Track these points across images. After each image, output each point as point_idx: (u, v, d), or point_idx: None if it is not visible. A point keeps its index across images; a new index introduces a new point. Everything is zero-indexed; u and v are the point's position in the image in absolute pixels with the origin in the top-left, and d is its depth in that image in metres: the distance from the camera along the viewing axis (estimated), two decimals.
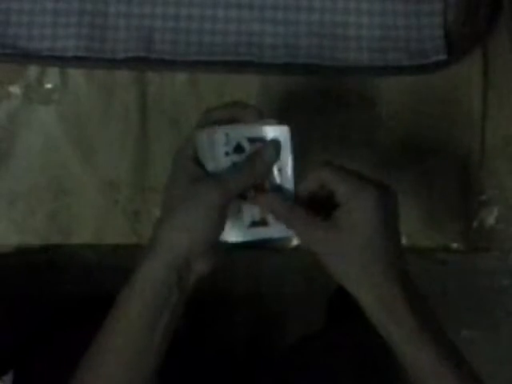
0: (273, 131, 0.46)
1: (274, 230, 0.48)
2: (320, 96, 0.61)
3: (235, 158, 0.46)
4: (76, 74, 0.61)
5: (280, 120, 0.47)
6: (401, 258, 0.45)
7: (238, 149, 0.46)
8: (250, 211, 0.47)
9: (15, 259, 0.62)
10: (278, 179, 0.47)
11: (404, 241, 0.61)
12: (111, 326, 0.46)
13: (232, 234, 0.47)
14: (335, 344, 0.81)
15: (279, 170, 0.47)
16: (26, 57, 0.61)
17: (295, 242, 0.61)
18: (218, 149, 0.46)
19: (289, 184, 0.47)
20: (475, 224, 0.61)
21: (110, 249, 0.62)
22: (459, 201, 0.61)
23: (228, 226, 0.46)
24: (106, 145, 0.61)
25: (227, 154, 0.46)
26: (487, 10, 0.60)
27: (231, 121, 0.47)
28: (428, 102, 0.62)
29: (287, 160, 0.47)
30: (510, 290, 1.14)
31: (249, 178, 0.45)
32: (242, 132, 0.46)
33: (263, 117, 0.47)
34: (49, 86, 0.61)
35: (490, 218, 0.61)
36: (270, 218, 0.47)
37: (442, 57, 0.60)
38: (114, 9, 0.61)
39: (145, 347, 0.44)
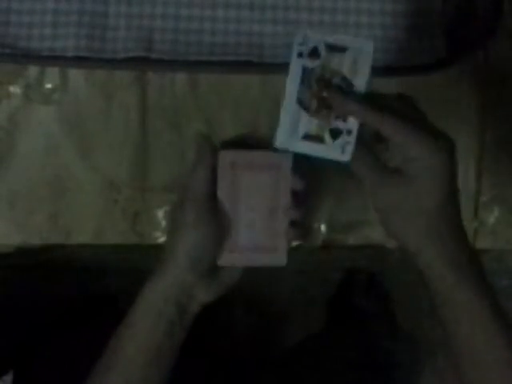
0: (355, 42, 0.44)
1: (328, 151, 0.44)
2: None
3: (308, 63, 0.44)
4: (76, 74, 0.61)
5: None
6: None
7: (314, 53, 0.44)
8: (308, 124, 0.44)
9: (15, 259, 0.62)
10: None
11: None
12: (110, 358, 0.47)
13: (283, 142, 0.44)
14: (335, 345, 0.81)
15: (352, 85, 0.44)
16: (26, 57, 0.60)
17: (294, 244, 0.61)
18: (293, 50, 0.44)
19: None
20: (475, 224, 0.61)
21: (109, 249, 0.62)
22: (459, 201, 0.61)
23: (282, 133, 0.44)
24: (106, 145, 0.61)
25: (300, 55, 0.44)
26: (487, 11, 0.60)
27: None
28: (428, 102, 0.61)
29: (365, 76, 0.45)
30: (509, 290, 1.14)
31: None
32: (321, 36, 0.44)
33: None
34: (49, 86, 0.61)
35: (490, 217, 0.61)
36: (328, 138, 0.44)
37: (442, 57, 0.60)
38: (114, 9, 0.61)
39: (144, 377, 0.45)
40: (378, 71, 0.60)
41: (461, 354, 0.44)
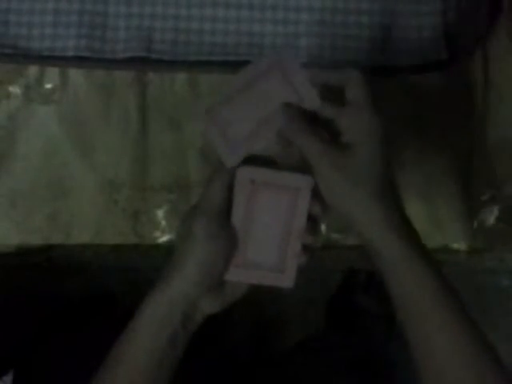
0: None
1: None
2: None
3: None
4: (76, 74, 0.61)
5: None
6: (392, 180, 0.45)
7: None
8: None
9: (15, 259, 0.62)
10: None
11: None
12: (113, 364, 0.47)
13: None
14: (335, 345, 0.81)
15: None
16: (26, 57, 0.61)
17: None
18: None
19: None
20: (475, 224, 0.61)
21: (109, 249, 0.62)
22: (459, 200, 0.61)
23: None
24: (106, 145, 0.61)
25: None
26: (487, 10, 0.60)
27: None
28: (428, 102, 0.62)
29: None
30: (510, 290, 1.14)
31: None
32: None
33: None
34: (49, 86, 0.61)
35: (490, 217, 0.61)
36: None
37: (442, 57, 0.60)
38: (114, 9, 0.61)
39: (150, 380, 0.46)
40: (378, 71, 0.61)
41: (406, 320, 0.44)
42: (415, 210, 0.61)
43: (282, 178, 0.47)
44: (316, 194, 0.46)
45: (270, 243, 0.47)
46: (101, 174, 0.61)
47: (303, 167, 0.46)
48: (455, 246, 0.61)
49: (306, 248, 0.48)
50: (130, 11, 0.61)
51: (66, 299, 0.86)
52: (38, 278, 0.80)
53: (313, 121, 0.45)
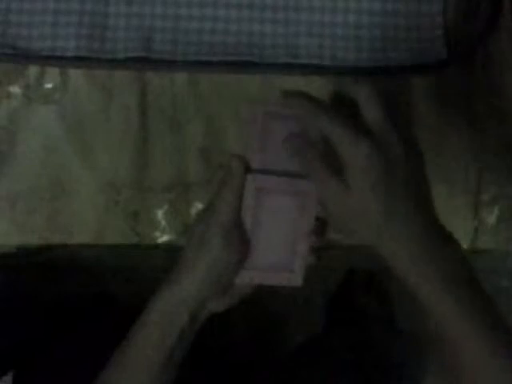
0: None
1: None
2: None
3: None
4: (76, 74, 0.61)
5: None
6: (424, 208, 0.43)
7: None
8: None
9: (15, 259, 0.62)
10: None
11: None
12: (121, 362, 0.48)
13: None
14: (335, 345, 0.81)
15: None
16: (26, 57, 0.60)
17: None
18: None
19: None
20: (475, 224, 0.61)
21: (109, 249, 0.62)
22: (460, 200, 0.61)
23: None
24: (106, 145, 0.61)
25: None
26: (487, 10, 0.60)
27: None
28: (428, 102, 0.62)
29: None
30: (510, 290, 1.14)
31: None
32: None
33: None
34: (49, 86, 0.61)
35: (491, 217, 0.61)
36: None
37: (442, 57, 0.60)
38: (114, 9, 0.61)
39: (155, 375, 0.47)
40: (378, 71, 0.61)
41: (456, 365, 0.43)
42: None
43: (289, 183, 0.47)
44: None
45: (279, 245, 0.48)
46: (101, 174, 0.61)
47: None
48: None
49: (313, 248, 0.49)
50: (129, 11, 0.61)
51: (66, 299, 0.86)
52: (37, 277, 0.80)
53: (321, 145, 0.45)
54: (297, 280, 0.49)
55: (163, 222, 0.61)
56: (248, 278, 0.48)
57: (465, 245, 0.61)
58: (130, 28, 0.61)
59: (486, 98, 0.61)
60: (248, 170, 0.47)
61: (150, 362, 0.46)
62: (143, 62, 0.60)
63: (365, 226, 0.42)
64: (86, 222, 0.61)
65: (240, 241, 0.47)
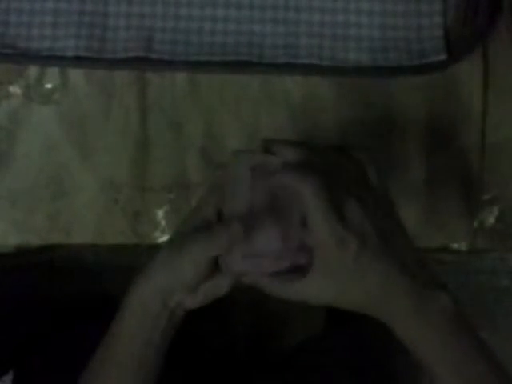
0: None
1: None
2: (320, 96, 0.61)
3: None
4: (76, 74, 0.61)
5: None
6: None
7: None
8: None
9: (15, 259, 0.62)
10: None
11: None
12: (103, 355, 0.48)
13: None
14: (335, 346, 0.81)
15: None
16: (26, 57, 0.60)
17: None
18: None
19: None
20: (475, 224, 0.61)
21: (109, 249, 0.62)
22: (459, 200, 0.61)
23: None
24: (106, 145, 0.61)
25: None
26: (487, 10, 0.60)
27: None
28: (428, 102, 0.62)
29: None
30: (510, 290, 1.14)
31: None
32: None
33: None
34: (49, 86, 0.61)
35: (491, 217, 0.61)
36: None
37: (442, 57, 0.60)
38: (114, 9, 0.61)
39: (133, 378, 0.46)
40: (378, 71, 0.61)
41: None
42: (415, 210, 0.61)
43: (279, 164, 0.46)
44: None
45: (273, 231, 0.47)
46: (101, 174, 0.61)
47: None
48: (455, 246, 0.61)
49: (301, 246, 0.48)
50: (130, 11, 0.61)
51: (65, 299, 0.86)
52: (37, 277, 0.80)
53: None
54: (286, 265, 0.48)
55: (163, 222, 0.61)
56: (244, 266, 0.47)
57: (465, 245, 0.61)
58: (130, 28, 0.61)
59: (485, 97, 0.61)
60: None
61: (128, 352, 0.46)
62: (143, 62, 0.60)
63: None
64: (85, 221, 0.61)
65: (222, 234, 0.46)
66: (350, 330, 0.90)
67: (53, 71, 0.61)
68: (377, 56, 0.61)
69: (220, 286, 0.48)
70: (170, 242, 0.48)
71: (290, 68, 0.60)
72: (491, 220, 0.62)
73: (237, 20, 0.61)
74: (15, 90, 0.61)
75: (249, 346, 1.08)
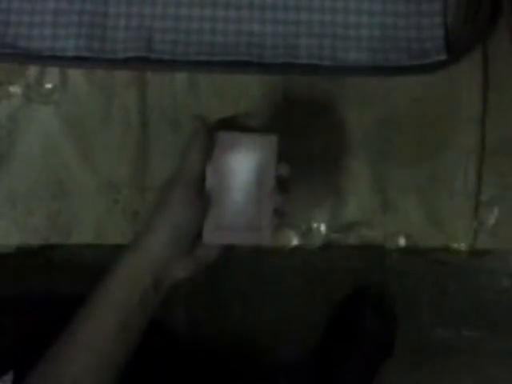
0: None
1: None
2: (320, 96, 0.61)
3: None
4: (76, 74, 0.61)
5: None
6: None
7: None
8: None
9: (15, 259, 0.62)
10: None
11: (404, 241, 0.61)
12: (83, 319, 0.48)
13: None
14: (331, 363, 0.81)
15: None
16: (26, 57, 0.61)
17: (295, 242, 0.61)
18: None
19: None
20: (475, 224, 0.61)
21: (109, 249, 0.62)
22: (460, 201, 0.61)
23: None
24: (106, 145, 0.61)
25: None
26: (487, 10, 0.60)
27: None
28: (428, 102, 0.62)
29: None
30: (510, 290, 1.14)
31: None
32: None
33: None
34: (49, 86, 0.61)
35: (491, 217, 0.61)
36: None
37: (442, 57, 0.60)
38: (114, 9, 0.61)
39: (114, 342, 0.46)
40: (378, 71, 0.61)
41: None
42: (415, 210, 0.61)
43: (248, 139, 0.48)
44: (282, 155, 0.47)
45: (244, 204, 0.49)
46: (101, 174, 0.61)
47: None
48: (455, 246, 0.61)
49: (276, 211, 0.49)
50: (130, 11, 0.61)
51: (66, 299, 0.86)
52: (37, 277, 0.80)
53: None
54: (265, 238, 0.49)
55: None
56: (216, 239, 0.48)
57: (465, 245, 0.61)
58: (130, 28, 0.61)
59: (486, 98, 0.61)
60: (211, 129, 0.47)
61: (106, 322, 0.46)
62: (143, 62, 0.60)
63: None
64: (86, 221, 0.61)
65: (203, 199, 0.47)
66: (348, 349, 0.89)
67: (53, 71, 0.61)
68: (377, 56, 0.61)
69: (209, 253, 0.48)
70: (155, 208, 0.48)
71: (290, 68, 0.60)
72: (491, 220, 0.62)
73: (237, 20, 0.61)
74: (15, 89, 0.61)
75: (249, 348, 1.08)
